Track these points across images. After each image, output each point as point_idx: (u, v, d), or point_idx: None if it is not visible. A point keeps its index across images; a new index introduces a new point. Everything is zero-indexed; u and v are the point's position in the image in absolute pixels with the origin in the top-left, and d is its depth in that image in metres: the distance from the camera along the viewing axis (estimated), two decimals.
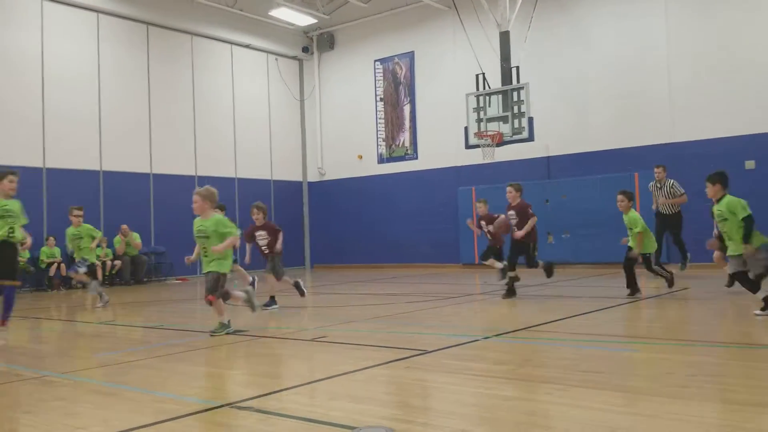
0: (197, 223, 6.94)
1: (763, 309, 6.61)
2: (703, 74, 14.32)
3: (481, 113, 15.04)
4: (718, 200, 6.96)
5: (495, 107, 14.89)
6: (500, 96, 14.86)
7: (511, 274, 9.33)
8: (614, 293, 9.46)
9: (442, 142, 17.77)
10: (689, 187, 11.75)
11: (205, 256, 6.87)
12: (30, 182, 14.25)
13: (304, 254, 20.78)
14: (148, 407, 4.15)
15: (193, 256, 7.10)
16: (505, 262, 10.20)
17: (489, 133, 14.85)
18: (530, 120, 14.41)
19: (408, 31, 18.74)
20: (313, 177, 20.73)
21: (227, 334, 6.72)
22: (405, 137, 18.90)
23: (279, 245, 9.18)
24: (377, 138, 19.37)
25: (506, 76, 15.00)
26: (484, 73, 15.24)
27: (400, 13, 18.74)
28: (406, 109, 18.88)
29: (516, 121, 14.57)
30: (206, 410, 3.90)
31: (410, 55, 18.78)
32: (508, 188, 9.62)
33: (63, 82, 15.09)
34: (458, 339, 6.03)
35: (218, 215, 7.08)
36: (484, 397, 4.07)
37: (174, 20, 17.28)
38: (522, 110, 14.47)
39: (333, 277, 15.93)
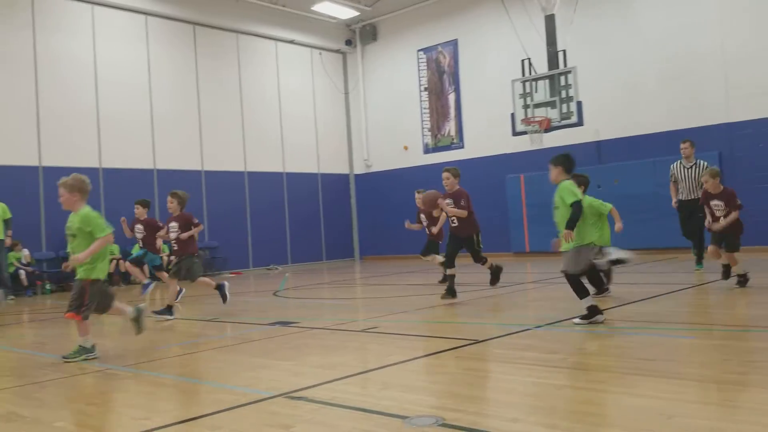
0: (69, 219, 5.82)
1: (583, 317, 5.98)
2: (758, 51, 13.79)
3: (528, 99, 14.83)
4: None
5: (542, 92, 14.66)
6: (547, 81, 14.61)
7: (449, 271, 8.46)
8: (669, 279, 9.24)
9: (489, 130, 17.61)
10: (744, 170, 11.30)
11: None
12: None
13: (353, 246, 20.93)
14: (206, 398, 4.27)
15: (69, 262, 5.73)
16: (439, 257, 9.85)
17: (536, 119, 14.64)
18: (579, 104, 14.13)
19: (451, 19, 18.60)
20: (359, 169, 20.83)
21: (86, 360, 5.57)
22: (450, 126, 18.80)
23: (184, 235, 8.19)
24: (422, 128, 19.32)
25: (552, 60, 14.74)
26: (529, 59, 15.01)
27: (443, 1, 18.61)
28: (451, 98, 18.77)
29: (564, 106, 14.31)
30: (261, 400, 3.99)
31: (453, 44, 18.64)
32: (445, 173, 8.68)
33: (115, 84, 15.51)
34: (509, 328, 6.00)
35: (87, 209, 5.70)
36: (537, 386, 4.05)
37: (219, 19, 17.56)
38: (570, 95, 14.19)
39: (382, 268, 16.01)
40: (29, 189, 13.85)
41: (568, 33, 15.21)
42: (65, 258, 14.51)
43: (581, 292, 6.06)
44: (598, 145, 15.97)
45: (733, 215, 7.82)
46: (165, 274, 10.07)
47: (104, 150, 15.24)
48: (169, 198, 8.41)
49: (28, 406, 4.31)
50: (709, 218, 8.12)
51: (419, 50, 19.37)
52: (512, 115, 15.11)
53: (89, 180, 5.83)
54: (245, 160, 18.09)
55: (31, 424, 3.83)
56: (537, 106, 14.72)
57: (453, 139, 18.71)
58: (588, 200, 7.04)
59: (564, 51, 14.65)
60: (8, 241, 12.41)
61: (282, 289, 11.68)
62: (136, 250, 11.62)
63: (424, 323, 6.69)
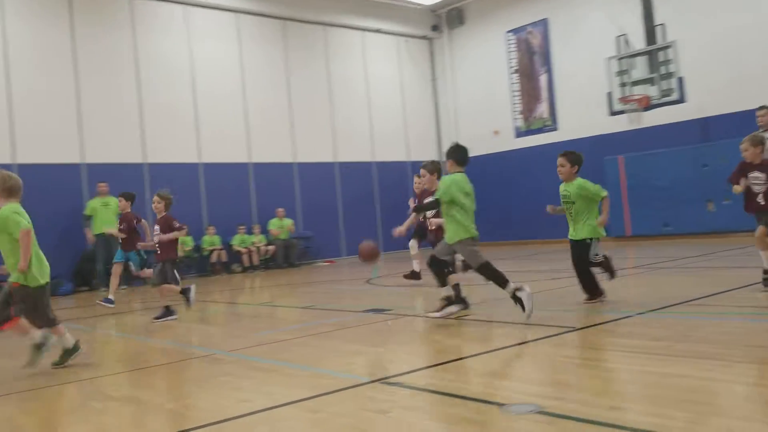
0: None
1: (439, 310, 6.12)
2: None
3: (625, 77, 14.27)
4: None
5: (640, 69, 14.07)
6: (645, 57, 14.00)
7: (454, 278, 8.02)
8: None
9: (584, 111, 17.04)
10: None
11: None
12: (189, 178, 15.51)
13: None
14: (305, 382, 4.39)
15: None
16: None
17: (635, 97, 14.07)
18: (680, 80, 13.46)
19: None
20: None
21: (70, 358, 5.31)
22: (543, 108, 18.34)
23: (164, 237, 7.72)
24: (513, 111, 18.95)
25: (650, 35, 14.10)
26: (625, 35, 14.42)
27: None
28: (543, 79, 18.30)
29: (664, 83, 13.68)
30: (358, 385, 4.06)
31: (544, 23, 18.13)
32: (422, 171, 8.23)
33: (210, 82, 16.10)
34: (611, 315, 5.82)
35: (12, 205, 5.17)
36: (641, 374, 3.91)
37: (308, 13, 17.87)
38: (670, 70, 13.54)
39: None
40: (135, 185, 14.62)
41: (665, 5, 14.46)
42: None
43: (442, 279, 6.29)
44: (704, 122, 15.11)
45: None
46: (148, 272, 9.23)
47: (203, 146, 15.89)
48: (155, 198, 7.97)
49: (142, 389, 4.58)
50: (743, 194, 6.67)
51: (508, 32, 18.97)
52: (608, 94, 14.58)
53: (16, 176, 5.29)
54: (335, 151, 18.38)
55: (145, 406, 4.07)
56: (635, 83, 14.15)
57: (546, 122, 18.25)
58: (578, 183, 6.55)
59: (662, 25, 13.96)
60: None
61: (375, 277, 11.82)
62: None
63: (518, 311, 6.58)
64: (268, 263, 15.99)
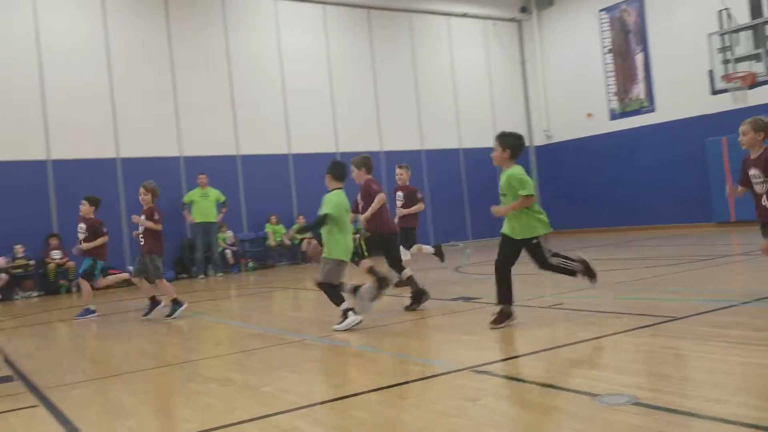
0: None
1: (339, 323, 5.89)
2: None
3: (728, 53, 13.44)
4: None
5: (744, 45, 13.21)
6: (749, 32, 13.13)
7: (406, 273, 7.11)
8: None
9: (683, 90, 16.20)
10: None
11: None
12: (279, 169, 15.94)
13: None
14: (394, 369, 4.44)
15: None
16: (427, 247, 9.26)
17: (738, 74, 13.24)
18: None
19: None
20: (539, 141, 20.25)
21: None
22: (639, 89, 17.58)
23: (153, 242, 7.61)
24: (607, 93, 18.28)
25: (755, 8, 13.21)
26: (727, 9, 13.57)
27: None
28: (638, 58, 17.53)
29: None
30: (446, 373, 4.06)
31: (639, 0, 17.34)
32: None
33: (298, 75, 16.42)
34: (712, 305, 5.54)
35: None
36: (742, 365, 3.71)
37: (393, 1, 17.88)
38: None
39: (567, 243, 15.48)
40: (229, 176, 15.17)
41: None
42: (265, 238, 15.73)
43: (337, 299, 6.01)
44: None
45: None
46: (87, 285, 8.51)
47: (292, 137, 16.25)
48: (141, 190, 7.80)
49: (238, 372, 4.77)
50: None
51: (601, 10, 18.27)
52: (710, 72, 13.80)
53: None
54: (421, 138, 18.35)
55: (242, 388, 4.24)
56: (739, 60, 13.32)
57: (642, 103, 17.50)
58: (510, 172, 5.53)
59: None
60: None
61: (464, 264, 11.76)
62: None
63: (612, 300, 6.37)
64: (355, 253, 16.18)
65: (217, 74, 15.33)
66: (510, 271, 5.50)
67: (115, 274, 9.85)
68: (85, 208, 8.53)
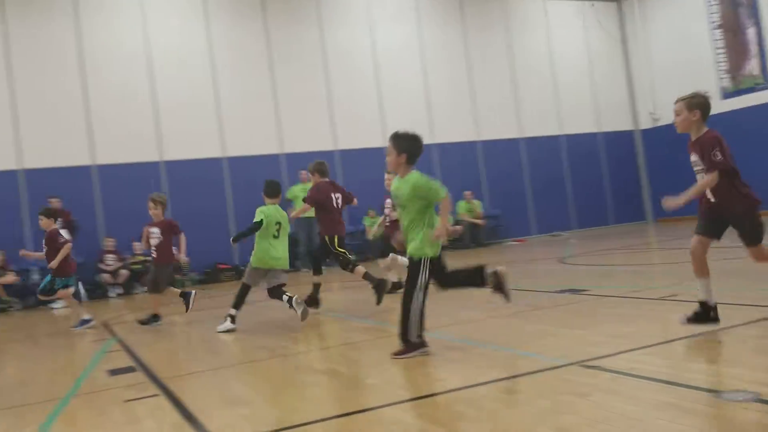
0: None
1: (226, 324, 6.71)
2: None
3: None
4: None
5: None
6: None
7: (314, 279, 7.90)
8: None
9: None
10: None
11: None
12: (375, 163, 16.02)
13: (644, 209, 19.63)
14: (500, 363, 4.38)
15: None
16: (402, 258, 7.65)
17: None
18: None
19: None
20: (645, 124, 19.36)
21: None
22: (753, 65, 16.45)
23: (181, 252, 7.67)
24: (718, 71, 17.21)
25: None
26: None
27: None
28: (751, 32, 16.38)
29: None
30: (555, 368, 3.97)
31: None
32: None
33: (393, 67, 16.48)
34: None
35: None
36: None
37: None
38: None
39: (680, 231, 14.73)
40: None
41: None
42: (363, 231, 15.91)
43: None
44: None
45: (708, 179, 4.36)
46: (64, 293, 8.29)
47: (387, 131, 16.34)
48: (150, 204, 7.71)
49: (345, 364, 4.87)
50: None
51: None
52: None
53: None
54: (519, 126, 17.98)
55: (348, 380, 4.32)
56: None
57: (757, 80, 16.36)
58: (414, 178, 4.70)
59: None
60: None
61: (569, 255, 11.45)
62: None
63: (732, 290, 6.00)
64: (455, 243, 16.09)
65: (314, 71, 15.67)
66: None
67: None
68: (43, 222, 8.22)
